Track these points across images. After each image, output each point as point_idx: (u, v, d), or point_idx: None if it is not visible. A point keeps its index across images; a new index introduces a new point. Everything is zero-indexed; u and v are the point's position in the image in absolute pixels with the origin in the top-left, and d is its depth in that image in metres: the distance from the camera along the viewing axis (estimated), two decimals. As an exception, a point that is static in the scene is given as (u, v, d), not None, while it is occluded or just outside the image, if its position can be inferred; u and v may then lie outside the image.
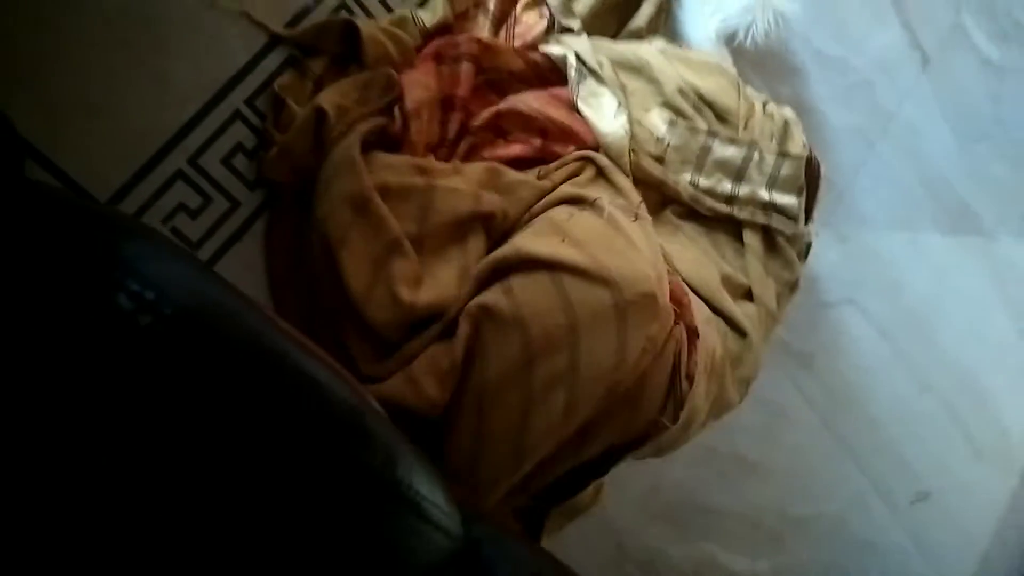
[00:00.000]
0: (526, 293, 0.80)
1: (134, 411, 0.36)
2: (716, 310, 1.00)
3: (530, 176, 0.94)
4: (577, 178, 0.94)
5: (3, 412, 0.35)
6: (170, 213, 0.87)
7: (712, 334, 0.96)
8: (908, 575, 1.72)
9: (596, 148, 0.99)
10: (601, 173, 0.95)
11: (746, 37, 1.15)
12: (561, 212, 0.88)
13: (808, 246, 1.13)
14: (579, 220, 0.86)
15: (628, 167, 0.98)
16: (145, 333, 0.36)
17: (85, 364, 0.35)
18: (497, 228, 0.91)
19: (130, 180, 0.85)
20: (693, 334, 0.90)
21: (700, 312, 0.95)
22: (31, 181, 0.52)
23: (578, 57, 1.00)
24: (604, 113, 0.98)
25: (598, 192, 0.91)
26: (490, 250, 0.89)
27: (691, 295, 0.95)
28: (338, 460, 0.40)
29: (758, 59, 1.27)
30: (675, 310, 0.88)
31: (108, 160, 0.84)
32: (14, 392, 0.35)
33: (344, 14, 0.95)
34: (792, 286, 1.10)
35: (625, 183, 0.94)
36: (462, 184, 0.89)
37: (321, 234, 0.85)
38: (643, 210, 0.91)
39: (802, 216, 1.08)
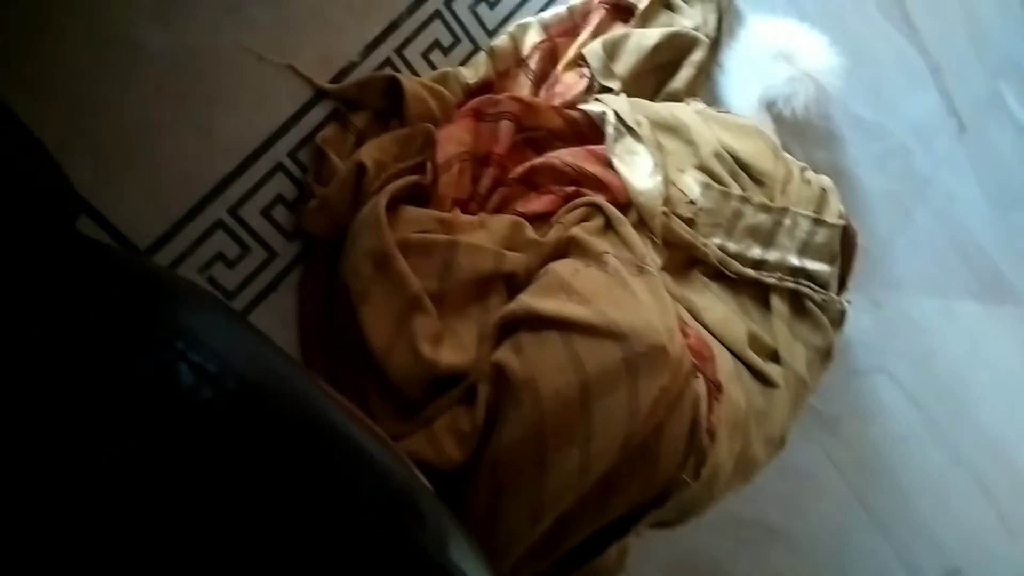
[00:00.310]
0: (536, 352, 0.80)
1: (192, 488, 0.35)
2: (744, 363, 0.98)
3: (549, 233, 0.93)
4: (586, 224, 0.93)
5: (61, 489, 0.34)
6: (208, 262, 0.87)
7: (737, 389, 0.94)
8: (937, 656, 1.65)
9: (628, 204, 0.98)
10: (609, 224, 0.94)
11: (786, 107, 1.15)
12: (566, 267, 0.87)
13: (843, 314, 1.11)
14: (584, 276, 0.85)
15: (658, 227, 0.97)
16: (206, 408, 0.34)
17: (143, 438, 0.34)
18: (519, 286, 0.90)
19: (171, 229, 0.85)
20: (716, 388, 0.89)
21: (725, 367, 0.93)
22: (86, 239, 0.51)
23: (616, 115, 1.00)
24: (639, 171, 0.98)
25: (604, 244, 0.90)
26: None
27: (716, 348, 0.94)
28: (393, 540, 0.38)
29: (795, 124, 1.27)
30: (695, 363, 0.87)
31: (150, 208, 0.84)
32: (70, 466, 0.34)
33: (388, 70, 0.95)
34: (824, 353, 1.08)
35: (632, 236, 0.92)
36: (485, 240, 0.88)
37: (345, 289, 0.85)
38: (650, 263, 0.90)
39: (835, 284, 1.07)
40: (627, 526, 0.90)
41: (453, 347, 0.84)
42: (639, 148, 0.99)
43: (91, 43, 0.80)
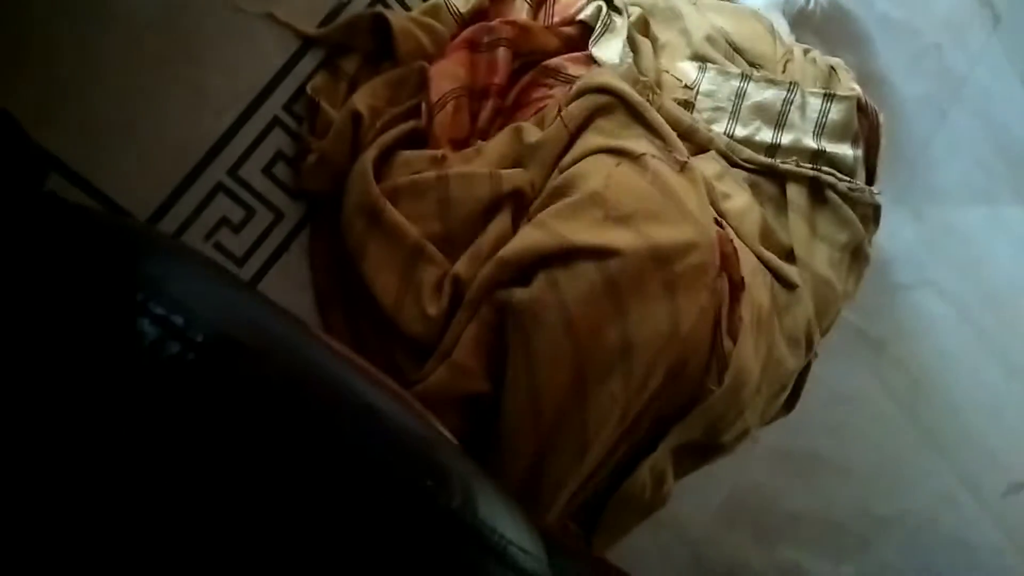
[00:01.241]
0: (572, 287, 0.75)
1: (158, 461, 0.31)
2: (761, 260, 0.91)
3: (550, 129, 0.86)
4: (604, 123, 0.85)
5: (13, 453, 0.30)
6: (212, 228, 0.83)
7: (760, 286, 0.88)
8: (1003, 572, 1.61)
9: None
10: (635, 114, 0.85)
11: (807, 3, 1.07)
12: (598, 173, 0.79)
13: (876, 209, 0.99)
14: (620, 183, 0.78)
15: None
16: (171, 365, 0.31)
17: (101, 403, 0.31)
18: (527, 201, 0.84)
19: (170, 197, 0.81)
20: (738, 286, 0.83)
21: (748, 261, 0.87)
22: (52, 195, 0.47)
23: (608, 3, 0.94)
24: (612, 55, 0.91)
25: (634, 139, 0.83)
26: (517, 223, 0.83)
27: (738, 243, 0.86)
28: (412, 503, 0.34)
29: (820, 27, 1.19)
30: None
31: (147, 178, 0.81)
32: (22, 432, 0.31)
33: (380, 7, 0.90)
34: (854, 252, 0.98)
35: (660, 122, 0.85)
36: (478, 167, 0.83)
37: (345, 247, 0.82)
38: (688, 157, 0.83)
39: (861, 171, 0.97)
40: (654, 443, 0.86)
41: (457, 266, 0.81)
42: (619, 30, 0.92)
43: (62, 9, 0.76)
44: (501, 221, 0.82)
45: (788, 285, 0.91)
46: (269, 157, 0.85)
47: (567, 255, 0.76)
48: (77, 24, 0.77)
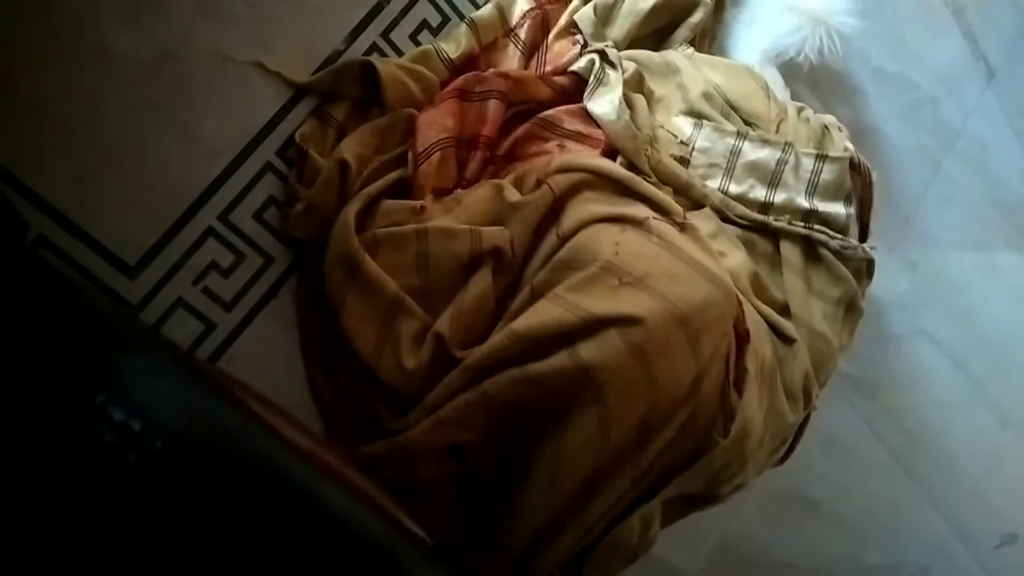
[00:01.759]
0: (596, 357, 0.74)
1: (114, 555, 0.30)
2: (759, 314, 0.91)
3: (536, 192, 0.85)
4: (593, 194, 0.85)
5: None
6: (202, 273, 0.83)
7: (764, 338, 0.88)
8: (997, 625, 1.59)
9: (615, 152, 0.92)
10: (623, 188, 0.86)
11: (798, 55, 1.07)
12: (606, 241, 0.78)
13: (869, 263, 1.01)
14: (629, 249, 0.78)
15: (645, 164, 0.90)
16: (129, 473, 0.30)
17: (57, 512, 0.30)
18: (507, 260, 0.83)
19: (160, 240, 0.81)
20: (744, 337, 0.83)
21: (750, 315, 0.87)
22: (32, 263, 0.47)
23: (602, 57, 0.94)
24: (608, 111, 0.91)
25: (631, 205, 0.82)
26: (502, 284, 0.83)
27: (741, 296, 0.87)
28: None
29: (814, 80, 1.20)
30: None
31: (137, 221, 0.80)
32: None
33: (375, 56, 0.90)
34: (849, 305, 0.99)
35: (654, 192, 0.85)
36: (459, 219, 0.82)
37: (326, 296, 0.81)
38: (687, 217, 0.83)
39: (854, 228, 0.98)
40: (653, 491, 0.85)
41: (434, 327, 0.80)
42: (614, 84, 0.92)
43: (56, 52, 0.76)
44: (482, 278, 0.81)
45: (785, 339, 0.92)
46: (260, 202, 0.85)
47: (589, 328, 0.75)
48: (69, 67, 0.77)
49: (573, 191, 0.84)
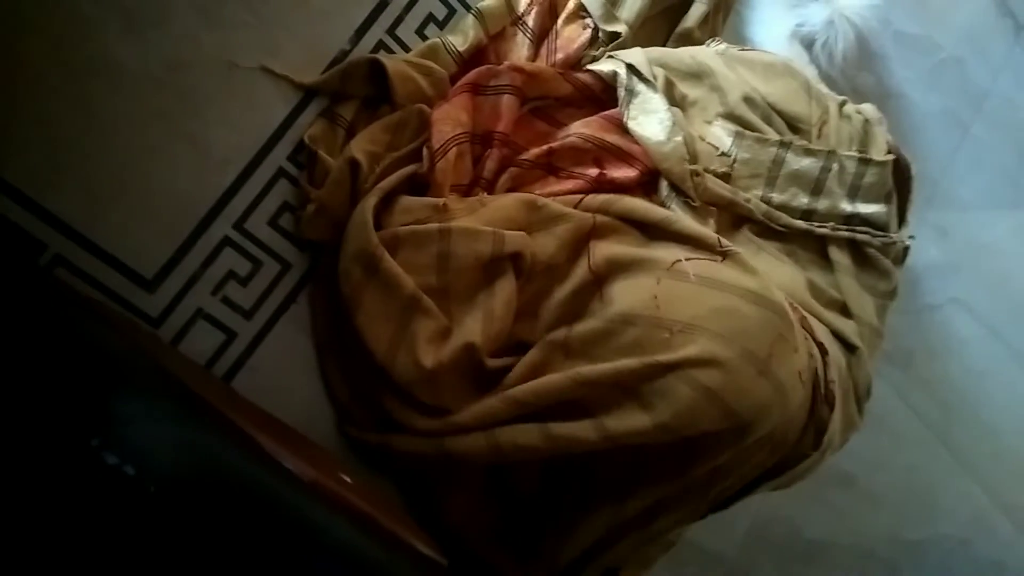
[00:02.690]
0: (671, 411, 0.72)
1: None
2: (823, 322, 0.91)
3: (576, 212, 0.84)
4: (628, 229, 0.84)
5: None
6: (220, 283, 0.83)
7: (835, 348, 0.88)
8: (1042, 595, 1.56)
9: (657, 170, 0.90)
10: (657, 229, 0.84)
11: (823, 53, 1.05)
12: (643, 298, 0.76)
13: (906, 250, 1.01)
14: (669, 297, 0.75)
15: (691, 190, 0.89)
16: (122, 518, 0.30)
17: (60, 551, 0.30)
18: (527, 266, 0.82)
19: (176, 253, 0.81)
20: (823, 350, 0.83)
21: (816, 326, 0.87)
22: (34, 296, 0.46)
23: (631, 69, 0.92)
24: (657, 131, 0.89)
25: (660, 247, 0.81)
26: (521, 287, 0.82)
27: (802, 310, 0.87)
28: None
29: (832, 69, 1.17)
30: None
31: (153, 235, 0.80)
32: None
33: (382, 53, 0.89)
34: (890, 295, 1.00)
35: (689, 226, 0.83)
36: (481, 222, 0.81)
37: (340, 294, 0.81)
38: (726, 244, 0.81)
39: (894, 222, 0.98)
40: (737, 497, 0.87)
41: (458, 337, 0.79)
42: (655, 105, 0.90)
43: (62, 70, 0.76)
44: (508, 283, 0.80)
45: (849, 347, 0.91)
46: (275, 209, 0.85)
47: (653, 374, 0.73)
48: (77, 84, 0.77)
49: (609, 229, 0.83)
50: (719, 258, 0.78)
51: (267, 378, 0.84)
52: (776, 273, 0.90)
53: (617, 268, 0.78)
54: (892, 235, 0.96)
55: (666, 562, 1.07)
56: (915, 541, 1.41)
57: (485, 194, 0.86)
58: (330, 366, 0.85)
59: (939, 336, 1.41)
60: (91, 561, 0.30)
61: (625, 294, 0.77)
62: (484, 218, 0.81)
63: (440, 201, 0.82)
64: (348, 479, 0.54)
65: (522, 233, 0.80)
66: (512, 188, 0.88)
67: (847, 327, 0.91)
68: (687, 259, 0.77)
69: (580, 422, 0.74)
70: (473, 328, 0.78)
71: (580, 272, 0.79)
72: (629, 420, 0.73)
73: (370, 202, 0.80)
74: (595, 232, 0.83)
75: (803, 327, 0.82)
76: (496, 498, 0.85)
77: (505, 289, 0.79)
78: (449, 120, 0.84)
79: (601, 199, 0.84)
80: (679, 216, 0.83)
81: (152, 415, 0.36)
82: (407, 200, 0.82)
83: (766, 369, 0.72)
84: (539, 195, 0.85)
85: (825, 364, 0.81)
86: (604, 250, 0.80)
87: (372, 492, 0.63)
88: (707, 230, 0.83)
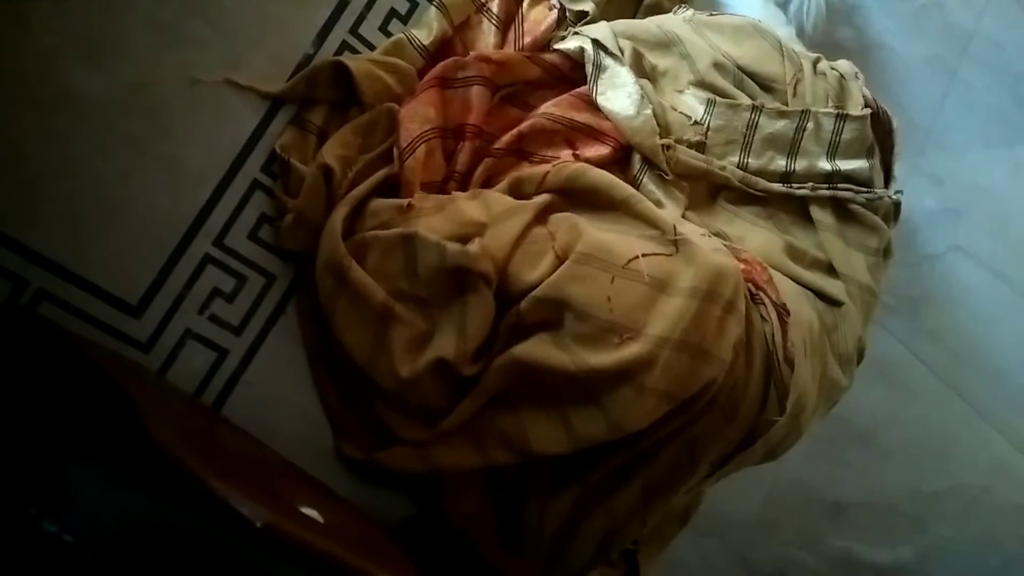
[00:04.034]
0: (612, 404, 0.74)
1: None
2: (802, 284, 0.90)
3: (522, 203, 0.83)
4: (587, 207, 0.83)
5: None
6: (206, 301, 0.83)
7: (806, 308, 0.87)
8: (1072, 533, 1.55)
9: (628, 145, 0.89)
10: (625, 207, 0.83)
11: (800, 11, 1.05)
12: (597, 297, 0.75)
13: (897, 205, 0.99)
14: (621, 303, 0.75)
15: (663, 163, 0.88)
16: None
17: None
18: (495, 279, 0.80)
19: (159, 275, 0.81)
20: (783, 312, 0.81)
21: (786, 288, 0.86)
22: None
23: (597, 44, 0.90)
24: (626, 106, 0.88)
25: (622, 237, 0.79)
26: (499, 303, 0.80)
27: (771, 271, 0.86)
28: None
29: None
30: (751, 290, 0.80)
31: (134, 259, 0.80)
32: None
33: (347, 54, 0.88)
34: (884, 252, 0.98)
35: (650, 210, 0.81)
36: (450, 220, 0.80)
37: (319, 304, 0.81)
38: (682, 229, 0.80)
39: (879, 177, 0.96)
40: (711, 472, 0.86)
41: (436, 347, 0.78)
42: (624, 78, 0.89)
43: (28, 105, 0.76)
44: (481, 300, 0.78)
45: (833, 303, 0.90)
46: (253, 222, 0.84)
47: (601, 381, 0.75)
48: (45, 117, 0.77)
49: (568, 203, 0.83)
50: (673, 249, 0.78)
51: (263, 392, 0.84)
52: (750, 237, 0.90)
53: (581, 257, 0.77)
54: (877, 190, 0.94)
55: (686, 535, 1.07)
56: (937, 492, 1.40)
57: (460, 188, 0.85)
58: (320, 373, 0.85)
59: (943, 285, 1.39)
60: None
61: (583, 286, 0.76)
62: (449, 217, 0.80)
63: (404, 202, 0.81)
64: (316, 513, 0.53)
65: (463, 248, 0.77)
66: (488, 178, 0.86)
67: (832, 286, 0.90)
68: (643, 255, 0.76)
69: (555, 432, 0.77)
70: (447, 344, 0.78)
71: (548, 260, 0.78)
72: (593, 426, 0.75)
73: (340, 212, 0.80)
74: (552, 210, 0.82)
75: (763, 290, 0.81)
76: (497, 497, 0.85)
77: (478, 307, 0.78)
78: (416, 117, 0.83)
79: (566, 173, 0.83)
80: (640, 197, 0.82)
81: (101, 479, 0.35)
82: (375, 203, 0.82)
83: (707, 355, 0.74)
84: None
85: (784, 326, 0.80)
86: (566, 236, 0.79)
87: (345, 522, 0.63)
88: (665, 215, 0.81)
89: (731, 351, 0.74)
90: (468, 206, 0.81)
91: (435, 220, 0.79)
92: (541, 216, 0.81)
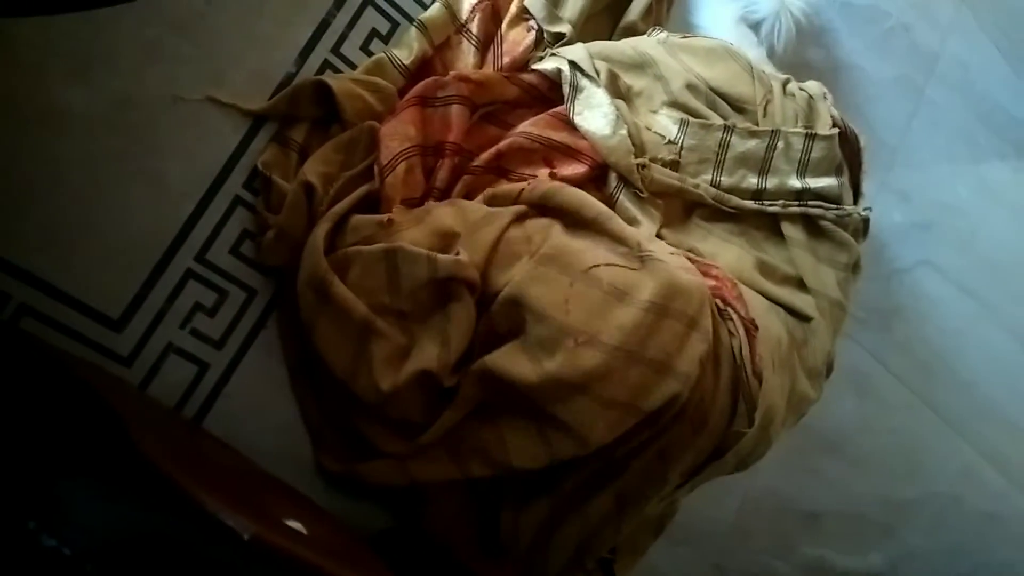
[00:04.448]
0: (576, 417, 0.75)
1: None
2: (772, 300, 0.93)
3: (499, 210, 0.85)
4: (555, 226, 0.84)
5: None
6: (187, 316, 0.83)
7: (775, 323, 0.90)
8: (1040, 541, 1.58)
9: (605, 164, 0.91)
10: (596, 226, 0.85)
11: (770, 32, 1.09)
12: (555, 302, 0.76)
13: (866, 221, 1.03)
14: (578, 306, 0.76)
15: (638, 181, 0.90)
16: None
17: None
18: (479, 286, 0.82)
19: (141, 290, 0.82)
20: (751, 327, 0.84)
21: (756, 303, 0.89)
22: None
23: (573, 66, 0.92)
24: (602, 126, 0.90)
25: (588, 248, 0.81)
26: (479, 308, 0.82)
27: (742, 288, 0.89)
28: None
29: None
30: (719, 306, 0.83)
31: (116, 274, 0.81)
32: None
33: (329, 73, 0.90)
34: (853, 267, 1.02)
35: (620, 227, 0.83)
36: (428, 232, 0.82)
37: (300, 319, 0.81)
38: (649, 246, 0.82)
39: (848, 195, 0.99)
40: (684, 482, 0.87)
41: (416, 359, 0.79)
42: (600, 98, 0.91)
43: (10, 120, 0.77)
44: (463, 309, 0.79)
45: (802, 318, 0.93)
46: (235, 237, 0.85)
47: (556, 392, 0.75)
48: (29, 132, 0.77)
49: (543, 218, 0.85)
50: (637, 265, 0.79)
51: (244, 405, 0.85)
52: (722, 254, 0.92)
53: (543, 258, 0.79)
54: (846, 207, 0.97)
55: (661, 544, 1.09)
56: (907, 501, 1.43)
57: (433, 201, 0.87)
58: (301, 387, 0.86)
59: (911, 299, 1.43)
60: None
61: (542, 287, 0.77)
62: (428, 228, 0.82)
63: (384, 217, 0.82)
64: (300, 525, 0.54)
65: (454, 259, 0.79)
66: (466, 195, 0.88)
67: (802, 301, 0.93)
68: (606, 265, 0.78)
69: (536, 450, 0.77)
70: (429, 355, 0.79)
71: (521, 263, 0.80)
72: (567, 445, 0.76)
73: (322, 228, 0.81)
74: (528, 217, 0.84)
75: (731, 305, 0.83)
76: (476, 505, 0.86)
77: (460, 315, 0.79)
78: (397, 135, 0.85)
79: (541, 191, 0.85)
80: (610, 215, 0.84)
81: (95, 493, 0.36)
82: (356, 219, 0.83)
83: (669, 369, 0.75)
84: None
85: (752, 341, 0.82)
86: (540, 238, 0.81)
87: (327, 535, 0.64)
88: (634, 232, 0.83)
89: (696, 366, 0.76)
90: (445, 214, 0.83)
91: (415, 232, 0.81)
92: (518, 221, 0.83)
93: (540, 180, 0.87)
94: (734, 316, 0.83)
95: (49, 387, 0.50)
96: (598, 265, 0.78)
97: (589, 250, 0.80)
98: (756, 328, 0.84)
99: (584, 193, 0.85)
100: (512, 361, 0.76)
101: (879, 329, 1.39)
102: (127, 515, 0.38)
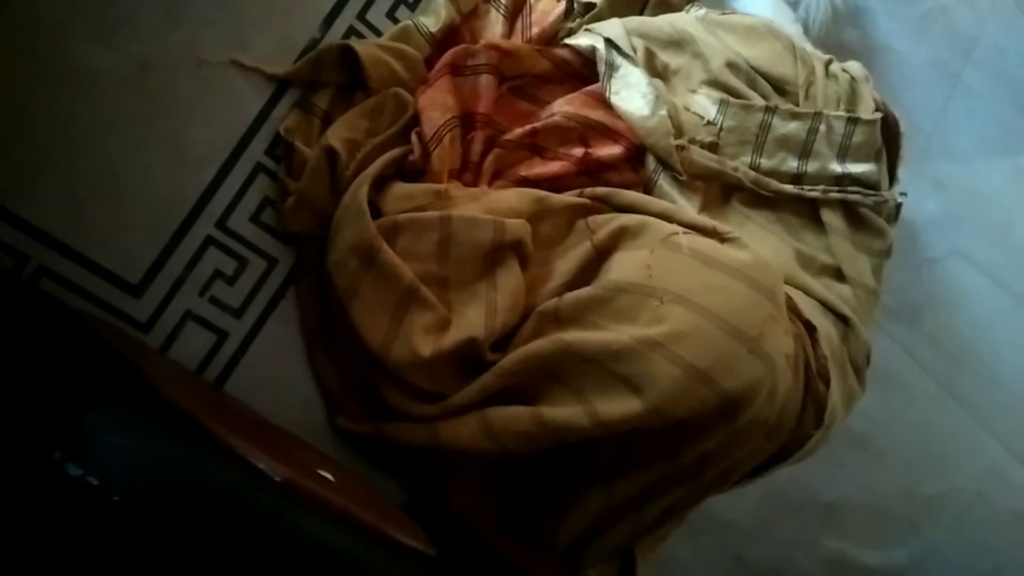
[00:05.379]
0: (658, 391, 0.70)
1: None
2: (812, 297, 0.90)
3: (574, 199, 0.84)
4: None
5: None
6: (207, 283, 0.82)
7: (824, 321, 0.87)
8: (1065, 541, 1.55)
9: (642, 145, 0.89)
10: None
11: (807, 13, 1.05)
12: (636, 267, 0.74)
13: (898, 207, 1.00)
14: (661, 268, 0.74)
15: (678, 164, 0.87)
16: (85, 529, 0.29)
17: (22, 563, 0.29)
18: (527, 253, 0.81)
19: (160, 256, 0.81)
20: (811, 327, 0.82)
21: (803, 302, 0.86)
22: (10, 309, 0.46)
23: (609, 43, 0.90)
24: (640, 106, 0.88)
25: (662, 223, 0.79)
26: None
27: (789, 288, 0.85)
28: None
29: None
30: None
31: (136, 239, 0.80)
32: None
33: (353, 39, 0.88)
34: (886, 254, 0.98)
35: (692, 217, 0.81)
36: (483, 211, 0.80)
37: (333, 285, 0.79)
38: (725, 230, 0.80)
39: (885, 180, 0.96)
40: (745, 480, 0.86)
41: (459, 328, 0.77)
42: (637, 78, 0.89)
43: (34, 80, 0.76)
44: (512, 273, 0.78)
45: (842, 318, 0.90)
46: (256, 204, 0.84)
47: (639, 351, 0.71)
48: (51, 93, 0.76)
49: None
50: (719, 240, 0.77)
51: (262, 375, 0.84)
52: (761, 246, 0.88)
53: (617, 239, 0.77)
54: (884, 193, 0.94)
55: (681, 533, 1.07)
56: (931, 496, 1.40)
57: (473, 177, 0.85)
58: (319, 357, 0.85)
59: (942, 289, 1.39)
60: (53, 572, 0.30)
61: (621, 263, 0.76)
62: (486, 207, 0.80)
63: (442, 187, 0.80)
64: (329, 475, 0.53)
65: (522, 221, 0.78)
66: (498, 169, 0.86)
67: (840, 295, 0.90)
68: (684, 232, 0.76)
69: (572, 408, 0.73)
70: (475, 321, 0.77)
71: (583, 249, 0.78)
72: (620, 404, 0.71)
73: (363, 190, 0.79)
74: (594, 211, 0.83)
75: (789, 307, 0.81)
76: (498, 485, 0.84)
77: (508, 282, 0.77)
78: (437, 106, 0.83)
79: (602, 193, 0.84)
80: (678, 207, 0.82)
81: (116, 426, 0.35)
82: (406, 187, 0.81)
83: (756, 347, 0.71)
84: (526, 176, 0.85)
85: (814, 341, 0.80)
86: (604, 228, 0.79)
87: (355, 486, 0.63)
88: (707, 219, 0.81)
89: (782, 355, 0.73)
90: (507, 195, 0.82)
91: (473, 207, 0.79)
92: (583, 213, 0.81)
93: (598, 190, 0.85)
94: (796, 318, 0.82)
95: (71, 337, 0.49)
96: (676, 233, 0.75)
97: (662, 223, 0.78)
98: (814, 329, 0.82)
99: (646, 195, 0.84)
100: (589, 332, 0.73)
101: (908, 320, 1.36)
102: (153, 450, 0.37)
